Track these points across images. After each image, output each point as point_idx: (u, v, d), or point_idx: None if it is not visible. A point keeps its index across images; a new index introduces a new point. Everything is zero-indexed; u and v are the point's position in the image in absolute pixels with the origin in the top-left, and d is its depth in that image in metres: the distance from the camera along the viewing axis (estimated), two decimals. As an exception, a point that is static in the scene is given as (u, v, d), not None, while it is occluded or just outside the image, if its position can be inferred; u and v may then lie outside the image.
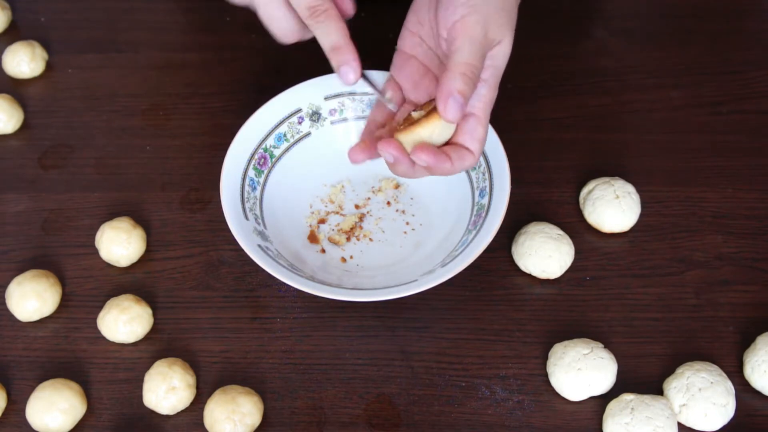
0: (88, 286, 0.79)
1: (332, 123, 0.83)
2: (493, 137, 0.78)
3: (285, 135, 0.82)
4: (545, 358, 0.74)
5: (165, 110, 0.91)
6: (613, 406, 0.70)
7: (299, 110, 0.82)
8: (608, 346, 0.74)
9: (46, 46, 0.96)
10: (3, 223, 0.84)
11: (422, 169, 0.67)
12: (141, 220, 0.82)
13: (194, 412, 0.72)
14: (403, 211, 0.82)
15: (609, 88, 0.91)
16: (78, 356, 0.75)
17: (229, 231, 0.74)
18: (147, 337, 0.76)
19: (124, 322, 0.74)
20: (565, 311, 0.77)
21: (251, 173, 0.79)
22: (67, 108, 0.92)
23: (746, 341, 0.74)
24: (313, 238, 0.80)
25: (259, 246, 0.74)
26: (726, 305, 0.77)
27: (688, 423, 0.70)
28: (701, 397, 0.70)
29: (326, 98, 0.83)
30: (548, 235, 0.78)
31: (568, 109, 0.90)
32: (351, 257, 0.79)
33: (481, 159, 0.78)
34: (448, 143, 0.68)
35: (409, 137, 0.67)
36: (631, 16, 0.98)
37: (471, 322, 0.76)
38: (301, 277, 0.73)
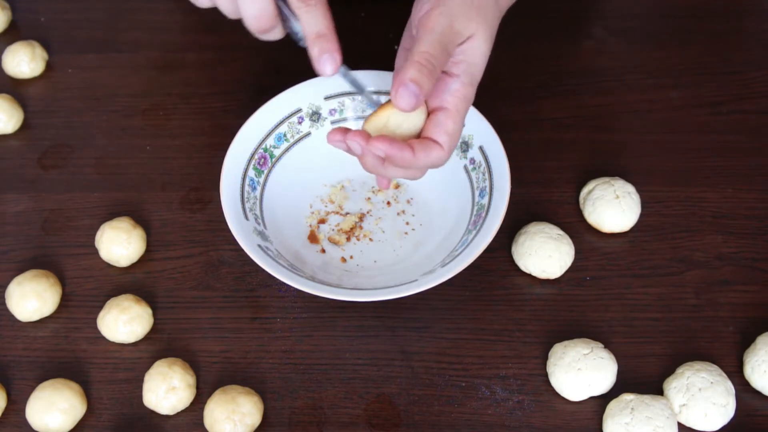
0: (88, 286, 0.79)
1: (332, 123, 0.83)
2: (493, 137, 0.78)
3: (285, 135, 0.82)
4: (545, 358, 0.74)
5: (165, 110, 0.91)
6: (613, 406, 0.70)
7: (299, 110, 0.82)
8: (608, 346, 0.74)
9: (46, 46, 0.96)
10: (3, 223, 0.84)
11: (391, 165, 0.66)
12: (141, 220, 0.82)
13: (194, 412, 0.72)
14: (403, 211, 0.81)
15: (609, 88, 0.91)
16: (78, 356, 0.75)
17: (229, 231, 0.74)
18: (147, 337, 0.76)
19: (124, 322, 0.74)
20: (565, 311, 0.77)
21: (251, 173, 0.79)
22: (67, 108, 0.92)
23: (746, 341, 0.74)
24: (313, 238, 0.80)
25: (259, 246, 0.74)
26: (726, 305, 0.77)
27: (688, 423, 0.70)
28: (701, 397, 0.70)
29: (326, 98, 0.83)
30: (548, 235, 0.78)
31: (568, 109, 0.90)
32: (351, 257, 0.79)
33: (481, 159, 0.78)
34: (417, 137, 0.67)
35: (371, 126, 0.66)
36: (631, 16, 0.98)
37: (471, 322, 0.76)
38: (301, 277, 0.73)
